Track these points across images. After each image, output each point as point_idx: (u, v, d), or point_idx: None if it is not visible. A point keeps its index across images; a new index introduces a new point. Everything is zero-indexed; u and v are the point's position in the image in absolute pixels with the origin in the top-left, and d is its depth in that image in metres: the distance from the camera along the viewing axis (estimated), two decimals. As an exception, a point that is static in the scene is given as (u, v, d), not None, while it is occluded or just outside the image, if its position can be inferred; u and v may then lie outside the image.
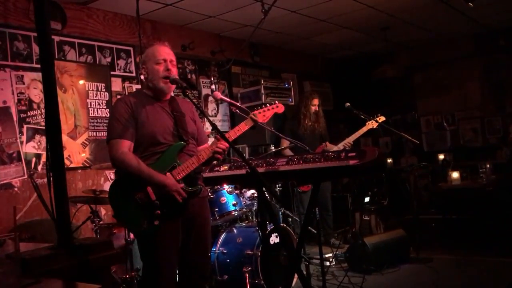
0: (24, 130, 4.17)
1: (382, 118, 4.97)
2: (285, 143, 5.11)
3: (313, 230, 4.93)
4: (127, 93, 4.94)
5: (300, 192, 5.19)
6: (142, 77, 4.68)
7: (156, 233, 2.49)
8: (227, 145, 2.59)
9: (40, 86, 4.17)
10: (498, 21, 6.65)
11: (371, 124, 4.98)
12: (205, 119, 2.65)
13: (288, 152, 4.93)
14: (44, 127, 3.58)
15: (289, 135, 4.68)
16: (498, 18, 6.52)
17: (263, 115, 2.78)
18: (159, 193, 2.49)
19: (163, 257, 2.53)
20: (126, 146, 2.52)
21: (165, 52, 2.66)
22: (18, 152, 4.11)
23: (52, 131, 2.22)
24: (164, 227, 2.49)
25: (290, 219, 4.92)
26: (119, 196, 2.53)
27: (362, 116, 4.94)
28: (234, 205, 4.12)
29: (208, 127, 5.47)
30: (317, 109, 5.44)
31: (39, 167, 4.22)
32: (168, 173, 2.51)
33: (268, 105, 2.86)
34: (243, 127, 2.69)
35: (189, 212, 2.61)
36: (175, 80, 2.63)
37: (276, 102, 2.90)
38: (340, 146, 5.09)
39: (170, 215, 2.51)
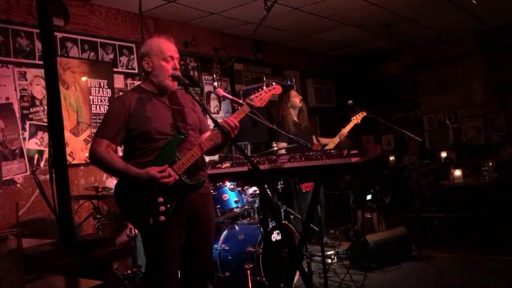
0: (27, 126, 4.18)
1: (363, 113, 5.04)
2: (282, 144, 5.05)
3: (315, 228, 4.93)
4: (123, 92, 4.94)
5: (304, 193, 5.16)
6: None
7: (162, 230, 2.49)
8: (235, 122, 2.56)
9: (43, 82, 4.18)
10: (502, 19, 6.62)
11: (356, 119, 5.06)
12: (207, 116, 2.61)
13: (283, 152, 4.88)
14: (46, 124, 3.60)
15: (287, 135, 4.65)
16: (502, 16, 6.50)
17: (260, 99, 2.69)
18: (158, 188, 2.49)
19: (168, 252, 2.54)
20: (103, 144, 2.54)
21: (172, 49, 2.65)
22: (21, 149, 4.12)
23: (55, 128, 2.22)
24: (170, 223, 2.49)
25: (292, 216, 4.92)
26: (125, 195, 2.54)
27: (365, 114, 4.93)
28: (236, 202, 4.12)
29: (210, 124, 5.46)
30: (301, 102, 5.31)
31: (42, 164, 4.23)
32: (169, 168, 2.50)
33: (264, 87, 2.76)
34: (241, 113, 2.63)
35: (192, 208, 2.61)
36: (177, 77, 2.62)
37: (273, 83, 2.79)
38: (337, 138, 5.10)
39: (175, 210, 2.51)
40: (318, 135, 5.53)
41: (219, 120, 2.59)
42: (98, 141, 2.56)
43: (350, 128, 5.13)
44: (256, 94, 2.70)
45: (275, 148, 4.89)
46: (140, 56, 2.71)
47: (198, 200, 2.63)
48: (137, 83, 5.08)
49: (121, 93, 4.80)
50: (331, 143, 5.13)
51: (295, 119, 5.30)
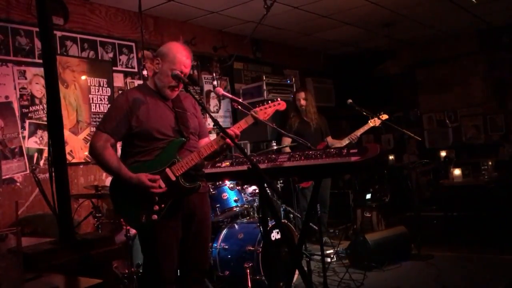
0: (26, 125, 4.18)
1: (385, 116, 4.88)
2: (287, 140, 5.08)
3: (314, 226, 4.94)
4: (129, 89, 4.94)
5: (303, 189, 5.17)
6: (144, 72, 4.73)
7: (155, 228, 2.50)
8: (237, 132, 2.60)
9: (42, 81, 4.18)
10: (501, 18, 6.63)
11: (374, 122, 4.90)
12: (207, 115, 2.63)
13: (288, 150, 4.89)
14: (46, 123, 3.60)
15: (290, 133, 4.66)
16: (502, 15, 6.50)
17: (264, 112, 2.74)
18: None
19: (163, 251, 2.55)
20: (103, 139, 2.55)
21: (184, 65, 2.65)
22: (20, 147, 4.12)
23: (54, 127, 2.22)
24: (164, 222, 2.50)
25: (291, 215, 4.92)
26: (119, 192, 2.56)
27: (364, 113, 4.91)
28: (235, 201, 4.12)
29: (210, 123, 5.47)
30: (304, 103, 5.32)
31: (41, 162, 4.23)
32: (167, 169, 2.52)
33: (270, 102, 2.81)
34: (243, 124, 2.67)
35: (189, 207, 2.63)
36: (177, 76, 2.63)
37: (278, 99, 2.84)
38: (346, 140, 5.05)
39: (169, 210, 2.51)
40: (328, 135, 5.46)
41: (218, 119, 2.60)
42: (99, 134, 2.58)
43: (364, 131, 4.98)
44: (261, 107, 2.75)
45: (275, 147, 4.90)
46: (156, 54, 2.73)
47: (194, 199, 2.65)
48: (136, 81, 5.10)
49: (120, 92, 4.79)
50: (338, 144, 5.08)
51: (304, 118, 5.31)
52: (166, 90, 2.65)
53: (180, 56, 2.64)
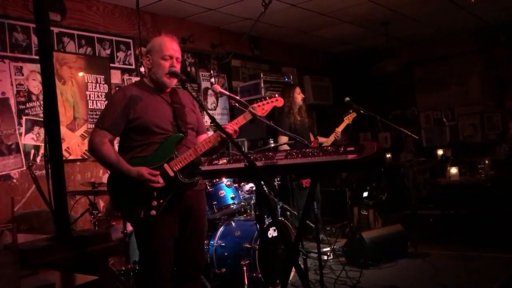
0: (23, 121, 4.16)
1: (354, 114, 5.17)
2: (283, 138, 5.08)
3: (311, 224, 4.94)
4: (126, 85, 4.93)
5: (306, 188, 5.17)
6: (142, 69, 4.71)
7: (153, 224, 2.51)
8: (235, 128, 2.62)
9: (39, 77, 4.16)
10: (499, 17, 6.63)
11: (348, 119, 5.18)
12: (204, 112, 2.64)
13: (286, 148, 4.89)
14: (42, 119, 3.59)
15: (287, 131, 4.67)
16: (499, 14, 6.50)
17: (262, 109, 2.77)
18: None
19: (160, 247, 2.56)
20: (101, 135, 2.56)
21: (172, 49, 2.67)
22: (17, 144, 4.11)
23: (51, 123, 2.21)
24: (161, 218, 2.51)
25: (288, 213, 4.92)
26: (117, 186, 2.56)
27: (362, 111, 4.93)
28: (232, 198, 4.12)
29: (207, 121, 5.46)
30: (302, 97, 5.38)
31: (38, 159, 4.22)
32: (166, 164, 2.53)
33: (267, 98, 2.84)
34: (242, 120, 2.70)
35: (186, 204, 2.63)
36: (174, 73, 2.64)
37: (276, 95, 2.87)
38: (332, 137, 5.19)
39: (167, 206, 2.52)
40: (315, 133, 5.56)
41: (216, 117, 2.61)
42: (97, 131, 2.58)
43: (343, 128, 5.25)
44: (258, 103, 2.78)
45: (272, 145, 4.89)
46: (144, 53, 2.76)
47: (192, 196, 2.65)
48: (133, 78, 5.08)
49: (117, 89, 4.79)
50: (327, 142, 5.17)
51: (298, 115, 5.33)
52: (164, 79, 2.65)
53: (165, 42, 2.68)
